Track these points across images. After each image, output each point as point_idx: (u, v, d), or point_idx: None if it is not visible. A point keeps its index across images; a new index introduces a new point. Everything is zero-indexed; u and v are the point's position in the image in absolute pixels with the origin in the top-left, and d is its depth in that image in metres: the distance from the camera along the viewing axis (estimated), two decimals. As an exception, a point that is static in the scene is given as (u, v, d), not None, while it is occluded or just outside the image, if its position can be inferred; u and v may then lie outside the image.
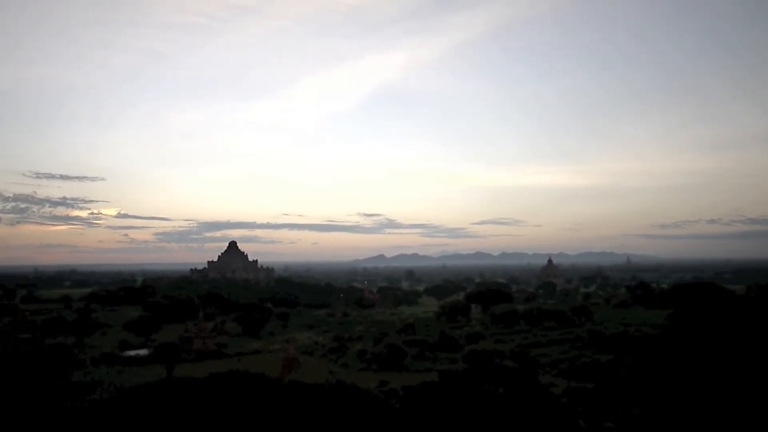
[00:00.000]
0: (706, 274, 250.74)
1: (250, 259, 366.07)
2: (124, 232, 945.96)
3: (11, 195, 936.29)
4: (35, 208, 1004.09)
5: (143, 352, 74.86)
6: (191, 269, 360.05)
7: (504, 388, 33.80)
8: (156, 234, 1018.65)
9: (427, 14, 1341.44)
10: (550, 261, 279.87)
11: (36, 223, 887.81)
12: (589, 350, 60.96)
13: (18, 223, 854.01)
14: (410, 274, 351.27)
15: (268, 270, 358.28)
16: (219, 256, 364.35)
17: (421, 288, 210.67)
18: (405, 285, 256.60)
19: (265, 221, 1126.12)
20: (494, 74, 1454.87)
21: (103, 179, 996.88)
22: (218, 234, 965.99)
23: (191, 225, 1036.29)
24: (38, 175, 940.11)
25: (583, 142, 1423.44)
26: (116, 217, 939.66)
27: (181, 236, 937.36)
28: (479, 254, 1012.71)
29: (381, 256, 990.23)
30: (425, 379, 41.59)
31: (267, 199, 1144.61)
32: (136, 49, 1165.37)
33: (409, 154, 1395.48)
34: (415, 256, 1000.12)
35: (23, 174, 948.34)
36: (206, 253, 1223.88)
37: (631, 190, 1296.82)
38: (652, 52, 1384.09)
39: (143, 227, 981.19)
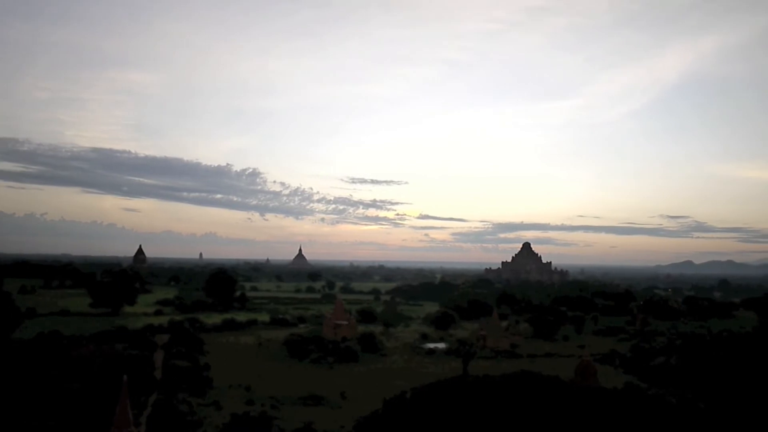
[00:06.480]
0: None
1: (544, 261, 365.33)
2: (424, 231, 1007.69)
3: (332, 198, 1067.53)
4: (351, 209, 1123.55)
5: (441, 345, 79.38)
6: (486, 269, 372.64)
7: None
8: (453, 234, 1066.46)
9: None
10: None
11: (351, 222, 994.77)
12: None
13: (337, 223, 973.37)
14: (723, 283, 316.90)
15: (562, 273, 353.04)
16: (513, 257, 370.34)
17: (737, 300, 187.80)
18: (717, 295, 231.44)
19: (559, 222, 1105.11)
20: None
21: (406, 183, 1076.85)
22: (512, 235, 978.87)
23: (486, 226, 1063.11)
24: (353, 180, 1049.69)
25: None
26: (418, 218, 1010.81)
27: (476, 237, 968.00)
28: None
29: (688, 262, 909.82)
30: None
31: (561, 200, 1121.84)
32: (434, 60, 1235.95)
33: (722, 148, 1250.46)
34: (729, 263, 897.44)
35: (341, 179, 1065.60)
36: (500, 253, 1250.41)
37: None
38: None
39: (441, 228, 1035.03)
